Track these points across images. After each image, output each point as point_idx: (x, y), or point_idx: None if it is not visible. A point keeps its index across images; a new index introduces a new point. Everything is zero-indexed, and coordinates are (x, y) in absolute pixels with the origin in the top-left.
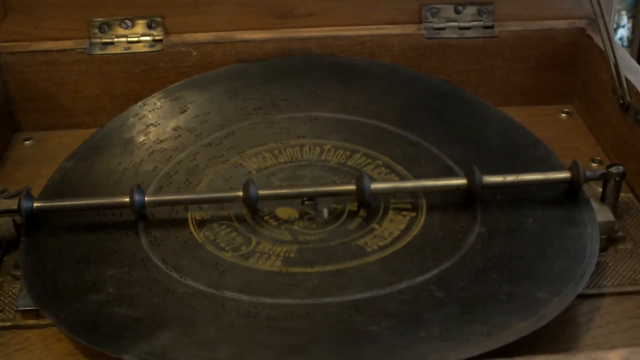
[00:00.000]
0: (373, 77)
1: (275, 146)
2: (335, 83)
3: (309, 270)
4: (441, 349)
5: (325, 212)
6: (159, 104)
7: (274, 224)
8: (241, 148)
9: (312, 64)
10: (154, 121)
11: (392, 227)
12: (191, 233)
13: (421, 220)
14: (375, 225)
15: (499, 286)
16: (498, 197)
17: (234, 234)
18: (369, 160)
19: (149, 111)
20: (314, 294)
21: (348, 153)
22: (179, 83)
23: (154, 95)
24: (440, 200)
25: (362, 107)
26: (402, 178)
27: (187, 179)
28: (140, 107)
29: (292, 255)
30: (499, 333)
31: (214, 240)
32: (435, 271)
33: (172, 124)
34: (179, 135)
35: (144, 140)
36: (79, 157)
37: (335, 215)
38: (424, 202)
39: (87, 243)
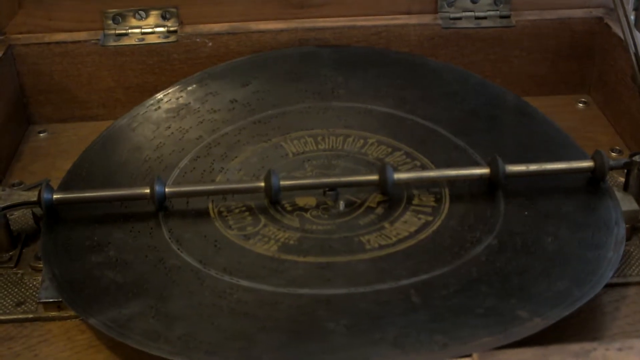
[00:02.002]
0: (441, 80)
1: (320, 132)
2: (402, 80)
3: (300, 259)
4: (387, 354)
5: (342, 204)
6: (223, 73)
7: (289, 208)
8: (287, 130)
9: (385, 57)
10: (214, 90)
11: (402, 227)
12: (207, 207)
13: (435, 225)
14: (386, 224)
15: (483, 300)
16: (526, 213)
17: (247, 213)
18: (408, 160)
19: (213, 80)
20: (292, 283)
21: (390, 150)
22: (248, 56)
23: (219, 65)
24: (464, 207)
25: (419, 107)
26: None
27: (225, 153)
28: (202, 75)
29: (291, 242)
30: (456, 345)
31: (225, 216)
32: (424, 276)
33: (230, 95)
34: (233, 108)
35: (198, 107)
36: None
37: (352, 209)
38: (445, 207)
39: (106, 229)
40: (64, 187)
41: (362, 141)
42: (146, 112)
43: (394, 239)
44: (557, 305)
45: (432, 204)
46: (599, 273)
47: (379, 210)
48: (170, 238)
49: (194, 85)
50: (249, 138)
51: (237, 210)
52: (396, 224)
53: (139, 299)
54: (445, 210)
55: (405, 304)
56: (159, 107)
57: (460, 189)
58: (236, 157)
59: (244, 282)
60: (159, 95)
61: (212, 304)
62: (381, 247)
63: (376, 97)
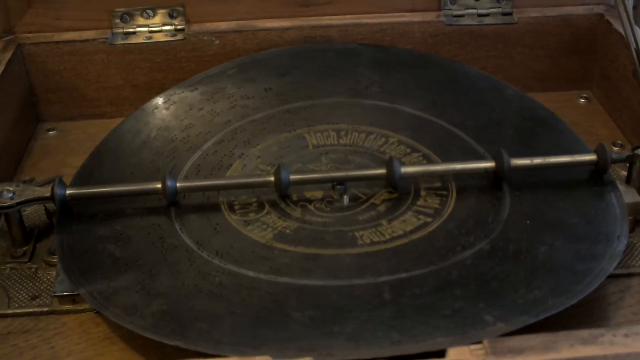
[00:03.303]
0: (476, 88)
1: (344, 128)
2: (436, 84)
3: (290, 248)
4: (337, 346)
5: (346, 198)
6: (265, 61)
7: (294, 198)
8: (313, 122)
9: (426, 60)
10: (253, 77)
11: (399, 226)
12: (217, 191)
13: (432, 227)
14: (384, 222)
15: (452, 302)
16: (528, 222)
17: (254, 199)
18: (424, 162)
19: (253, 67)
20: (275, 271)
21: (409, 150)
22: (294, 47)
23: (263, 52)
24: (466, 211)
25: (447, 112)
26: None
27: (248, 139)
28: (243, 60)
29: (287, 231)
30: (408, 344)
31: (233, 200)
32: (403, 275)
33: (266, 84)
34: (266, 97)
35: (233, 92)
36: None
37: (356, 204)
38: (448, 210)
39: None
40: (95, 157)
41: (383, 139)
42: (182, 92)
43: (387, 237)
44: (526, 312)
45: (436, 205)
46: (582, 284)
47: (382, 207)
48: (175, 218)
49: (234, 70)
50: (275, 127)
51: (245, 196)
52: (394, 222)
53: (129, 273)
54: (447, 213)
55: (375, 300)
56: (196, 89)
57: (468, 193)
58: (258, 144)
59: (230, 267)
60: (198, 77)
61: (194, 284)
62: (372, 243)
63: (407, 98)
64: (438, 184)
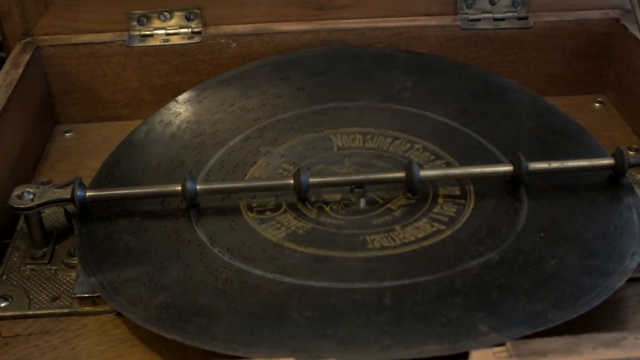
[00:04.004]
0: (509, 101)
1: (372, 132)
2: (469, 94)
3: (300, 249)
4: (327, 348)
5: (362, 202)
6: (301, 61)
7: (312, 199)
8: (341, 124)
9: (462, 69)
10: (287, 75)
11: (412, 232)
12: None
13: (444, 235)
14: (397, 227)
15: (451, 310)
16: (542, 234)
17: (272, 198)
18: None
19: (289, 65)
20: (281, 271)
21: (432, 157)
22: (332, 48)
23: (301, 51)
24: (481, 221)
25: (476, 122)
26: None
27: (275, 137)
28: (280, 58)
29: (300, 231)
30: (399, 349)
31: (252, 198)
32: (407, 281)
33: (299, 83)
34: (298, 96)
35: (266, 90)
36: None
37: (373, 208)
38: (464, 218)
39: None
40: (124, 145)
41: (408, 145)
42: (217, 86)
43: (398, 242)
44: (523, 324)
45: (452, 214)
46: (585, 299)
47: (398, 212)
48: (192, 212)
49: (269, 68)
50: (303, 127)
51: (264, 193)
52: (407, 228)
53: (141, 265)
54: (462, 222)
55: (375, 305)
56: (230, 84)
57: (485, 202)
58: (284, 143)
59: (239, 264)
60: (233, 72)
61: (200, 279)
62: (382, 248)
63: (437, 106)
64: (457, 192)
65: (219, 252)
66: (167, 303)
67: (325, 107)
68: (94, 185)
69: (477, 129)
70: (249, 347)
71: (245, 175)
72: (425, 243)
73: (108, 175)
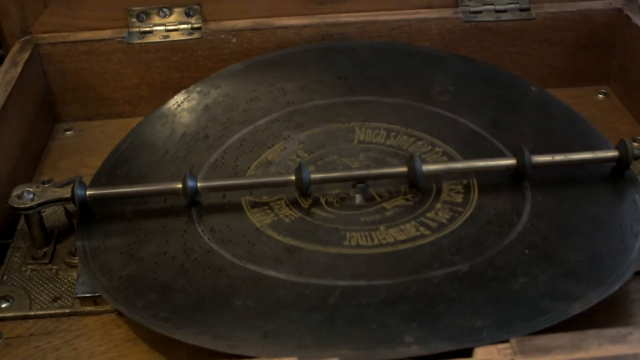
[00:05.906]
0: (547, 116)
1: (397, 129)
2: (508, 106)
3: (278, 237)
4: (249, 340)
5: (358, 197)
6: (355, 50)
7: (313, 192)
8: (369, 118)
9: (508, 80)
10: (334, 63)
11: (393, 234)
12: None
13: (425, 240)
14: (382, 227)
15: (388, 317)
16: (527, 251)
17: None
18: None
19: (339, 53)
20: (249, 258)
21: (446, 160)
22: (387, 41)
23: (352, 41)
24: (474, 228)
25: (505, 133)
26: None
27: (301, 123)
28: (332, 45)
29: (286, 220)
30: (312, 349)
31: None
32: (362, 282)
33: (343, 72)
34: (337, 85)
35: (308, 74)
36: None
37: (368, 205)
38: (454, 226)
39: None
40: (137, 133)
41: (429, 147)
42: (262, 65)
43: (375, 242)
44: (451, 339)
45: (444, 220)
46: (532, 322)
47: (390, 212)
48: (197, 217)
49: (317, 53)
50: (332, 116)
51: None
52: (392, 229)
53: (126, 235)
54: (451, 229)
55: (317, 303)
56: (276, 65)
57: (483, 212)
58: (308, 130)
59: (213, 245)
60: (282, 52)
61: (172, 256)
62: (357, 246)
63: (472, 113)
64: (459, 200)
65: (202, 231)
66: (131, 275)
67: (360, 99)
68: (96, 180)
69: (505, 140)
70: (177, 329)
71: (259, 157)
72: (402, 247)
73: (130, 145)
